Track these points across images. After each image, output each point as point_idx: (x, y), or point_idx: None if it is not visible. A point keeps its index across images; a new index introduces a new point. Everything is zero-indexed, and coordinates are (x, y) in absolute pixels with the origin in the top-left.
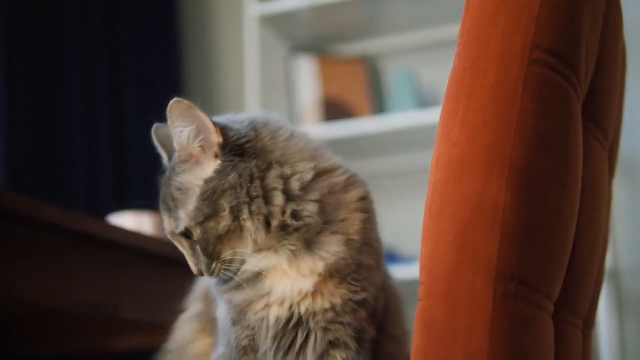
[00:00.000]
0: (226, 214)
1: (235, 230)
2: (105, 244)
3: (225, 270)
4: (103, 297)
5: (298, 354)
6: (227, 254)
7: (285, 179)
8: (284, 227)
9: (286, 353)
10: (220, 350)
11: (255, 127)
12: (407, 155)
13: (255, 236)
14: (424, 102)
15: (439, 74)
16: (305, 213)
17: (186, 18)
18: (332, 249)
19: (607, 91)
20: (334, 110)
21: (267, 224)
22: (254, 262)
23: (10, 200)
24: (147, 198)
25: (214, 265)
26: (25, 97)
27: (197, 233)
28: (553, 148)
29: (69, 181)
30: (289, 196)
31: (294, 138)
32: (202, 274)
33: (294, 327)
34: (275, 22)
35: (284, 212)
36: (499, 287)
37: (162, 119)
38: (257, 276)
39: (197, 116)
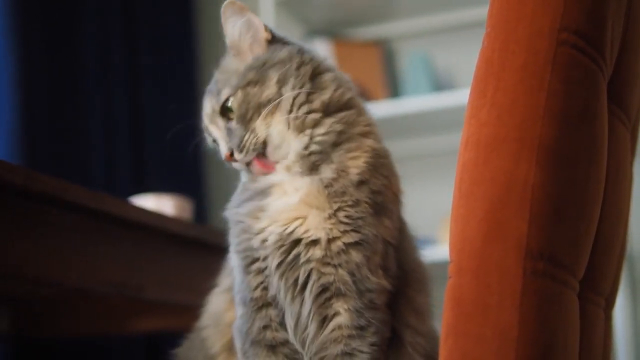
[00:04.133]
0: (272, 83)
1: (275, 103)
2: (130, 225)
3: (255, 145)
4: (128, 277)
5: (301, 298)
6: (260, 126)
7: (335, 88)
8: (313, 124)
9: (292, 299)
10: (239, 311)
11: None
12: (422, 138)
13: (290, 109)
14: (438, 86)
15: (454, 57)
16: (331, 128)
17: (202, 2)
18: (325, 175)
19: (630, 73)
20: None
21: (303, 104)
22: (279, 140)
23: (40, 182)
24: (165, 181)
25: (246, 137)
26: (43, 81)
27: (237, 99)
28: (580, 127)
29: (86, 164)
30: (329, 105)
31: (336, 69)
32: (231, 156)
33: (293, 261)
34: (291, 6)
35: (319, 108)
36: (528, 264)
37: (179, 102)
38: (262, 192)
39: (248, 16)
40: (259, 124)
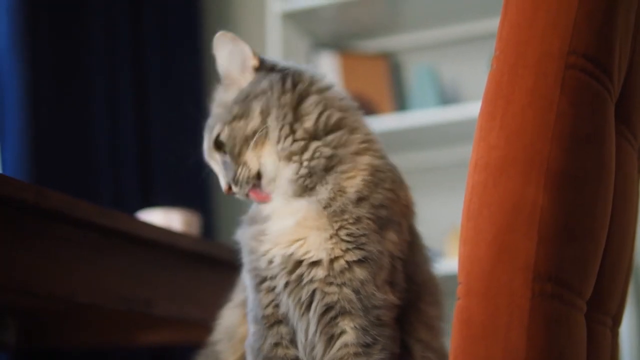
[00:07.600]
0: (256, 114)
1: (261, 134)
2: (138, 240)
3: (248, 179)
4: (136, 292)
5: (307, 317)
6: (251, 159)
7: (320, 112)
8: (300, 151)
9: (300, 317)
10: (252, 329)
11: (299, 68)
12: (428, 151)
13: (277, 140)
14: (445, 99)
15: (460, 70)
16: (317, 154)
17: (209, 14)
18: (322, 196)
19: (638, 93)
20: None
21: (288, 134)
22: (272, 172)
23: (50, 199)
24: (173, 196)
25: (239, 171)
26: (50, 96)
27: (224, 135)
28: (589, 150)
29: (94, 179)
30: (316, 130)
31: (332, 87)
32: (230, 189)
33: (297, 280)
34: (298, 19)
35: (303, 137)
36: (536, 286)
37: (186, 115)
38: (265, 216)
39: (238, 44)
40: (249, 157)
